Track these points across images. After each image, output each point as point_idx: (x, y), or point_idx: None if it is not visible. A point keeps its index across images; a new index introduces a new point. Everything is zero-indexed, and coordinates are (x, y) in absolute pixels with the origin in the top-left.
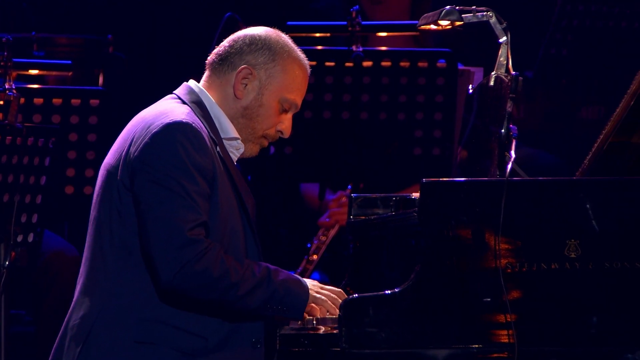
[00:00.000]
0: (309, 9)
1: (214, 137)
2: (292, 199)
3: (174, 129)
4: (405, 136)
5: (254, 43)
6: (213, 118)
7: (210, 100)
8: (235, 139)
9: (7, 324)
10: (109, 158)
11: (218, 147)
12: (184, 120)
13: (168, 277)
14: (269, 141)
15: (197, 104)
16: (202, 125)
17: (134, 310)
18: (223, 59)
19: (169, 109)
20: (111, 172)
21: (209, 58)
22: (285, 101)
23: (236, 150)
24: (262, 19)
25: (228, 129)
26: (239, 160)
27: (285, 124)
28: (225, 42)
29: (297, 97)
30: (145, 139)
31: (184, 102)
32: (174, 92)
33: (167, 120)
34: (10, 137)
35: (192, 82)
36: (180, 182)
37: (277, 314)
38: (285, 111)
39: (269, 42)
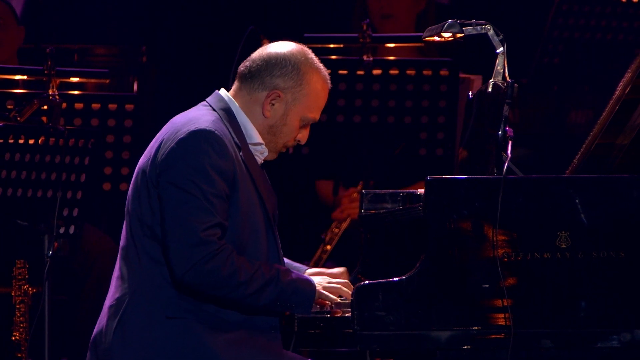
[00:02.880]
0: (324, 22)
1: (238, 143)
2: (308, 194)
3: (198, 135)
4: (411, 138)
5: (285, 66)
6: (240, 124)
7: (237, 107)
8: (260, 144)
9: (50, 307)
10: (142, 158)
11: (241, 152)
12: (207, 128)
13: (180, 273)
14: (287, 148)
15: (226, 111)
16: (226, 132)
17: (163, 290)
18: (254, 74)
19: (196, 116)
20: (143, 171)
21: (240, 67)
22: (306, 119)
23: (261, 154)
24: (281, 31)
25: (253, 135)
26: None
27: (303, 134)
28: (257, 58)
29: (317, 114)
30: (172, 144)
31: (213, 109)
32: (206, 99)
33: (193, 127)
34: (53, 139)
35: (222, 91)
36: (199, 185)
37: (287, 310)
38: (305, 126)
39: (297, 65)
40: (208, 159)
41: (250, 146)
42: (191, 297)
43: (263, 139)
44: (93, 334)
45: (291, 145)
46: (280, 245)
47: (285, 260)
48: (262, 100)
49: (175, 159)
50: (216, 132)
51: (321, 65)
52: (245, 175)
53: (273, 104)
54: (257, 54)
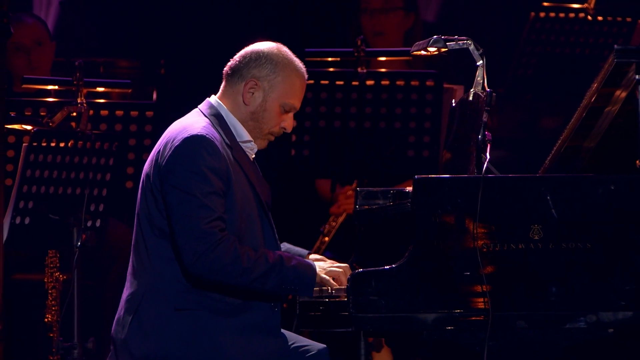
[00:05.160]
0: (323, 38)
1: (229, 143)
2: (308, 191)
3: (191, 141)
4: (400, 141)
5: (259, 58)
6: (229, 126)
7: (226, 111)
8: (249, 141)
9: (79, 292)
10: (146, 164)
11: (232, 151)
12: (199, 134)
13: (189, 264)
14: (275, 137)
15: (216, 116)
16: (216, 135)
17: (172, 285)
18: (234, 71)
19: (189, 123)
20: (147, 176)
21: (224, 69)
22: (285, 105)
23: (251, 150)
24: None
25: (242, 133)
26: (260, 156)
27: (287, 122)
28: (237, 57)
29: (295, 101)
30: (170, 151)
31: (205, 116)
32: (198, 106)
33: (187, 134)
34: (81, 142)
35: (212, 98)
36: (198, 185)
37: (291, 293)
38: (286, 112)
39: (271, 57)
40: (203, 161)
41: (240, 144)
42: (202, 287)
43: (248, 126)
44: (113, 326)
45: (277, 133)
46: (275, 230)
47: (287, 245)
48: (242, 90)
49: (174, 164)
50: (207, 136)
51: (295, 57)
52: (238, 171)
53: (252, 93)
54: (237, 55)
